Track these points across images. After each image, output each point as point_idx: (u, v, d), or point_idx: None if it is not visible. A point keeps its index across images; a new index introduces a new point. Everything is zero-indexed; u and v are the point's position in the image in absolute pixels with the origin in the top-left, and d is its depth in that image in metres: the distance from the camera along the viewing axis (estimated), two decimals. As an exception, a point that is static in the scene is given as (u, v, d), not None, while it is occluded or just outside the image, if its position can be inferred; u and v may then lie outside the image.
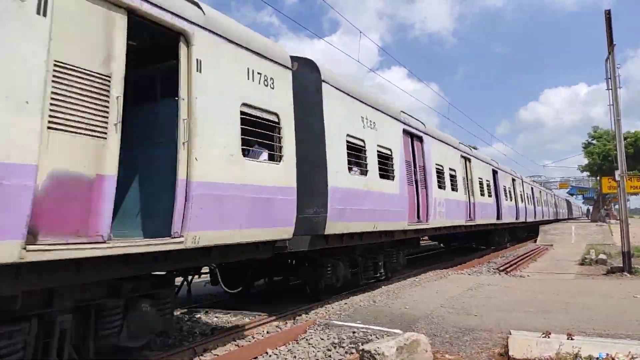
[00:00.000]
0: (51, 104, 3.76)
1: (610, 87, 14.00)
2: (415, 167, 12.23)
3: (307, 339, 6.59)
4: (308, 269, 9.55)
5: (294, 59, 7.63)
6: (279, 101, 6.74)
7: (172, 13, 4.98)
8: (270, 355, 5.98)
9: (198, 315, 8.60)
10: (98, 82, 4.19)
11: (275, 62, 6.77)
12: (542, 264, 17.17)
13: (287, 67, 7.10)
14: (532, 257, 19.82)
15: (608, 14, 13.78)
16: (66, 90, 3.92)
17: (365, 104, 9.82)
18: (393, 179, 10.63)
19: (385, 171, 10.36)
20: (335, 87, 8.65)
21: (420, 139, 12.86)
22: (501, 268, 15.29)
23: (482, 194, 18.76)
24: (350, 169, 8.88)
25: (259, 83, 6.36)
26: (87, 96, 4.09)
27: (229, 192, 5.59)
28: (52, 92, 3.77)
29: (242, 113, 5.96)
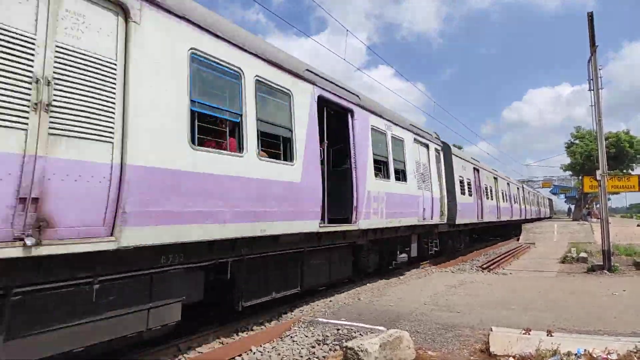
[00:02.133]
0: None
1: (592, 88, 14.21)
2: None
3: (291, 337, 6.63)
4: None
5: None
6: None
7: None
8: (254, 353, 6.00)
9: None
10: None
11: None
12: (525, 262, 17.40)
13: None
14: (515, 255, 20.07)
15: (590, 15, 14.00)
16: None
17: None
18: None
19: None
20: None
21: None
22: (484, 266, 15.49)
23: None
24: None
25: None
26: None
27: None
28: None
29: None
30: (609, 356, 5.21)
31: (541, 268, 15.31)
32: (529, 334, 5.86)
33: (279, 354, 5.94)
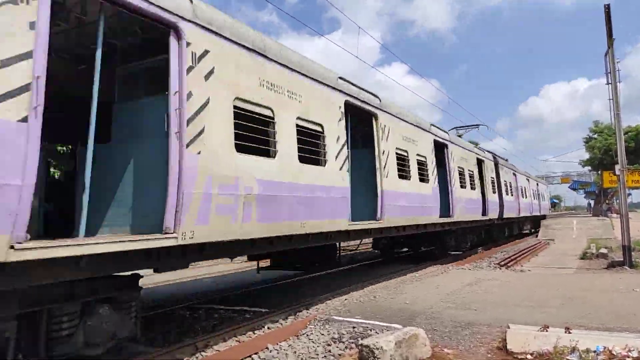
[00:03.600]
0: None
1: (610, 82, 13.99)
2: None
3: (307, 335, 6.65)
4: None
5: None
6: None
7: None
8: (270, 351, 6.04)
9: (200, 311, 8.68)
10: None
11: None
12: (543, 259, 17.20)
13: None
14: (533, 252, 19.85)
15: (607, 8, 13.76)
16: None
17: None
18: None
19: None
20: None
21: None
22: (502, 263, 15.34)
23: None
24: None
25: None
26: None
27: None
28: None
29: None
30: (629, 353, 5.13)
31: (560, 265, 15.13)
32: (547, 331, 5.80)
33: (295, 352, 5.97)
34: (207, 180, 5.51)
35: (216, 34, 5.95)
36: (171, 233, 5.06)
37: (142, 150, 5.60)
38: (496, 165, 22.09)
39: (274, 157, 6.86)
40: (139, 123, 5.74)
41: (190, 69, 5.42)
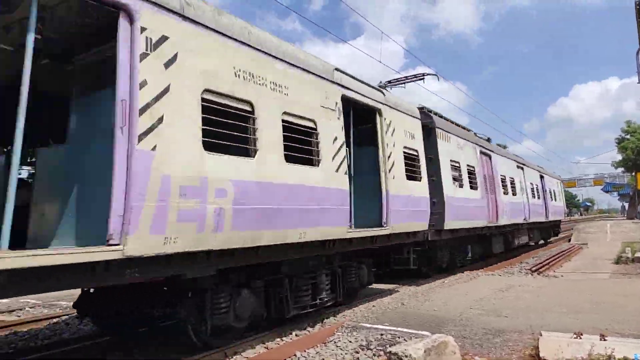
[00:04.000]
0: None
1: (642, 81, 13.62)
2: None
3: (335, 342, 6.64)
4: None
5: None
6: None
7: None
8: (299, 358, 6.05)
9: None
10: None
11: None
12: (576, 264, 16.78)
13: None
14: (566, 256, 19.39)
15: (638, 5, 13.43)
16: None
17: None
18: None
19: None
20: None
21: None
22: (533, 268, 15.02)
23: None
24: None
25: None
26: None
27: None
28: None
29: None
30: (669, 362, 4.95)
31: (594, 269, 14.73)
32: (581, 338, 5.64)
33: (323, 359, 5.96)
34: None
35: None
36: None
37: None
38: (431, 129, 12.44)
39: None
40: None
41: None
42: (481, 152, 15.95)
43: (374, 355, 6.03)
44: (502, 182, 17.30)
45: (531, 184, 22.40)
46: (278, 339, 6.97)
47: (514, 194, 18.78)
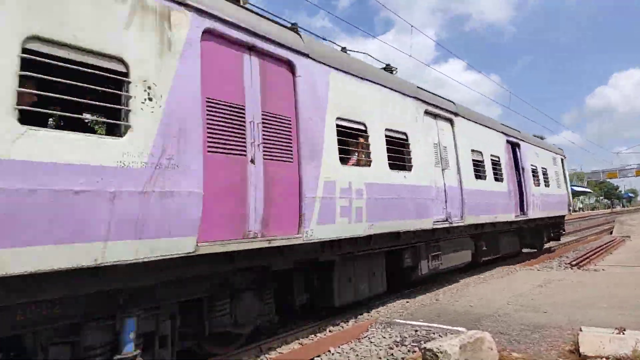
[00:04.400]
0: None
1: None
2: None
3: (369, 338, 6.63)
4: None
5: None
6: None
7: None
8: (333, 354, 6.07)
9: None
10: None
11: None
12: (619, 257, 16.20)
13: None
14: (608, 249, 18.73)
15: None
16: None
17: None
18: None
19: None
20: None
21: None
22: (573, 262, 14.58)
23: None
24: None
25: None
26: None
27: None
28: None
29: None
30: None
31: (637, 262, 14.19)
32: (624, 334, 5.45)
33: (357, 355, 5.97)
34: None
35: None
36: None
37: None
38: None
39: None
40: None
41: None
42: None
43: (409, 351, 5.99)
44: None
45: (476, 152, 11.81)
46: (312, 335, 7.02)
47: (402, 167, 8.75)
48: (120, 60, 4.32)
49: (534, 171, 15.89)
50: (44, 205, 3.61)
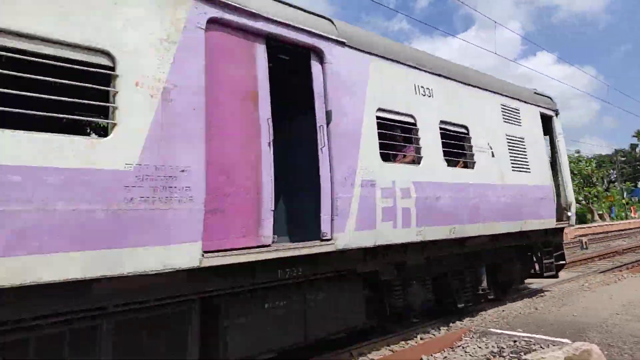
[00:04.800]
0: None
1: None
2: None
3: (463, 347, 6.38)
4: None
5: None
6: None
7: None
8: (425, 362, 5.92)
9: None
10: None
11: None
12: None
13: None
14: None
15: None
16: None
17: None
18: None
19: None
20: None
21: None
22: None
23: None
24: None
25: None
26: None
27: None
28: None
29: None
30: None
31: None
32: None
33: (451, 365, 5.77)
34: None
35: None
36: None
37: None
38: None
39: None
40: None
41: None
42: None
43: (507, 362, 5.69)
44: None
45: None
46: (402, 342, 6.90)
47: None
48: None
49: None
50: None
